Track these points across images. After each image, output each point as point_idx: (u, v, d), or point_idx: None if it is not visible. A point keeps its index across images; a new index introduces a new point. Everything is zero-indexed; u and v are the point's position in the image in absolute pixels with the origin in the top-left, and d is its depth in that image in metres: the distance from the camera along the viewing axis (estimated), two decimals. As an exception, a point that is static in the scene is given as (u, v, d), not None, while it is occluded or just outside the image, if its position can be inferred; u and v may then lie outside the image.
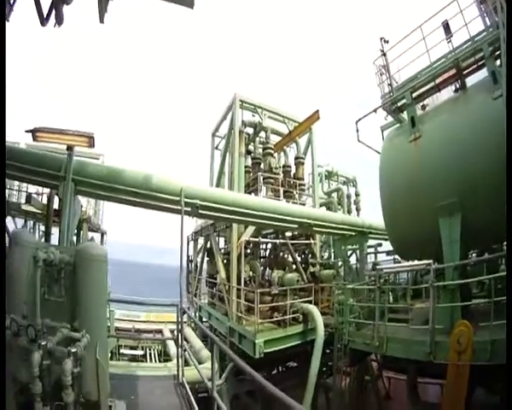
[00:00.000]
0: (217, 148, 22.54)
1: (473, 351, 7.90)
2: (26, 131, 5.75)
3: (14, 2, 4.61)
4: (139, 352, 22.70)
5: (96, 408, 4.28)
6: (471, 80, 10.35)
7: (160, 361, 20.60)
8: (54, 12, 4.74)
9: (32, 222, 18.68)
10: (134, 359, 21.88)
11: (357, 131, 13.03)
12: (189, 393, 6.50)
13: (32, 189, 16.26)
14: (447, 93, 11.55)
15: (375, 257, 24.04)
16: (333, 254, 24.02)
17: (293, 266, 17.28)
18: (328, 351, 12.74)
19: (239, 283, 14.30)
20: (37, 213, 15.54)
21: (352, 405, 12.28)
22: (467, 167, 9.40)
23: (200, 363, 11.95)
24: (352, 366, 12.22)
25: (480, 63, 9.60)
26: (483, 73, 9.76)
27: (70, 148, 6.05)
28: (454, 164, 9.75)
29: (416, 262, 10.89)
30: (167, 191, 9.68)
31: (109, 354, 18.31)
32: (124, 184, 9.22)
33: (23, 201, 16.16)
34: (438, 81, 10.59)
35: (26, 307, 4.26)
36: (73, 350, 3.74)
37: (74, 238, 16.23)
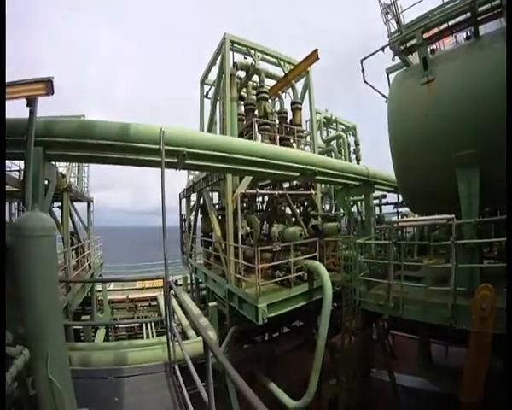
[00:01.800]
0: (206, 96, 21.04)
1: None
2: None
3: None
4: (135, 324, 21.88)
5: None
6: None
7: (157, 331, 19.94)
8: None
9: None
10: (131, 330, 21.46)
11: (363, 70, 12.17)
12: (183, 387, 5.49)
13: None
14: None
15: (380, 209, 23.27)
16: (334, 207, 23.26)
17: (293, 220, 16.20)
18: (331, 308, 11.87)
19: (236, 240, 13.12)
20: (15, 192, 14.18)
21: (360, 365, 11.54)
22: (485, 117, 8.82)
23: (197, 333, 11.18)
24: (363, 328, 11.44)
25: (496, 11, 9.07)
26: (494, 25, 9.47)
27: (30, 102, 4.89)
28: (471, 112, 9.04)
29: (435, 216, 9.99)
30: (147, 139, 8.10)
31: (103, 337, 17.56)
32: (97, 137, 7.79)
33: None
34: (450, 23, 9.89)
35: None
36: None
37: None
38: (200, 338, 10.70)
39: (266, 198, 18.83)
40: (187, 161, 8.85)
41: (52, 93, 4.73)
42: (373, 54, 11.82)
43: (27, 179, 5.29)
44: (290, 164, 11.36)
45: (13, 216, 18.14)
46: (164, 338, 9.93)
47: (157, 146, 7.96)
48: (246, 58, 16.52)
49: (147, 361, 7.61)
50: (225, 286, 13.30)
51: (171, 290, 6.36)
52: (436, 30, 10.22)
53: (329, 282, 11.66)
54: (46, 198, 7.88)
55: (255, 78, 17.23)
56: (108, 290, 22.34)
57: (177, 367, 6.14)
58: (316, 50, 14.72)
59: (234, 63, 15.83)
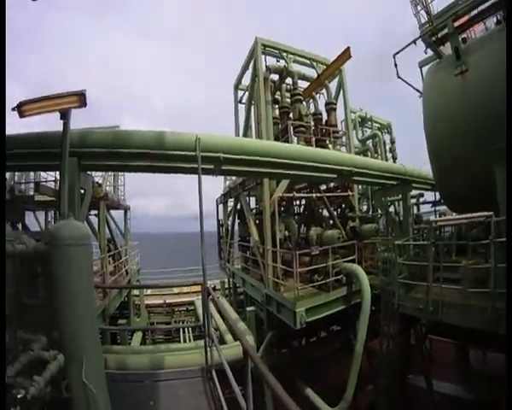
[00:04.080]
0: (240, 101, 20.97)
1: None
2: (13, 109, 4.74)
3: None
4: (172, 327, 21.98)
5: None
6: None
7: (194, 335, 19.86)
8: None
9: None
10: (168, 334, 21.57)
11: (396, 65, 11.90)
12: (219, 391, 5.39)
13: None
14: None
15: (418, 209, 22.62)
16: (371, 208, 22.78)
17: (331, 222, 15.82)
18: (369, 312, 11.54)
19: (274, 244, 12.96)
20: (51, 202, 14.81)
21: (397, 371, 11.16)
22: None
23: (235, 338, 11.10)
24: (402, 332, 11.08)
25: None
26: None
27: (63, 115, 4.95)
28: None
29: (473, 214, 9.52)
30: (183, 146, 8.18)
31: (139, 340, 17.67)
32: (133, 147, 8.02)
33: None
34: (480, 9, 9.56)
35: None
36: (20, 396, 2.46)
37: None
38: (237, 343, 10.63)
39: (303, 201, 18.60)
40: (224, 167, 8.84)
41: (85, 105, 4.77)
42: (405, 47, 11.52)
43: (63, 189, 5.35)
44: (327, 166, 11.11)
45: (49, 224, 18.71)
46: (201, 342, 9.88)
47: (193, 153, 8.01)
48: (278, 61, 16.45)
49: (184, 366, 7.53)
50: (263, 291, 13.17)
51: (210, 296, 6.28)
52: (466, 18, 9.92)
53: (368, 285, 11.41)
54: (82, 207, 8.13)
55: (289, 80, 17.10)
56: (146, 295, 22.38)
57: (214, 372, 6.06)
58: (348, 48, 14.45)
59: (267, 67, 15.74)
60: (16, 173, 16.38)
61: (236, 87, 20.98)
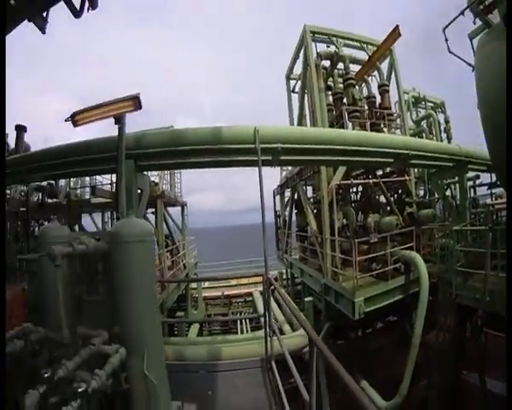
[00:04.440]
0: (293, 91, 20.73)
1: None
2: (66, 120, 5.09)
3: (47, 15, 4.87)
4: (230, 318, 22.43)
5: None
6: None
7: (251, 327, 19.80)
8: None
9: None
10: (225, 325, 21.76)
11: (446, 40, 11.06)
12: (279, 383, 5.38)
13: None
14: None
15: (474, 191, 21.54)
16: (428, 192, 21.95)
17: (388, 209, 15.41)
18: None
19: (332, 233, 12.75)
20: (107, 203, 16.00)
21: (452, 366, 10.75)
22: None
23: (293, 328, 11.06)
24: (458, 325, 10.66)
25: None
26: None
27: (118, 120, 5.09)
28: None
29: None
30: (241, 139, 8.23)
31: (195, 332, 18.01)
32: (190, 144, 8.20)
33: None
34: None
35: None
36: (81, 390, 2.52)
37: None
38: (295, 334, 10.59)
39: (360, 188, 18.30)
40: (282, 157, 8.78)
41: (140, 108, 4.88)
42: (453, 20, 10.84)
43: (120, 191, 5.52)
44: (383, 150, 10.74)
45: (106, 225, 19.96)
46: (259, 333, 9.94)
47: (251, 145, 8.04)
48: (328, 46, 16.11)
49: (241, 357, 7.61)
50: (322, 280, 13.00)
51: (271, 286, 6.28)
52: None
53: (426, 273, 10.93)
54: (140, 206, 8.54)
55: (340, 65, 16.70)
56: (203, 288, 22.76)
57: (273, 363, 6.08)
58: (397, 27, 13.90)
59: (317, 53, 15.48)
60: (72, 180, 17.61)
61: (288, 77, 20.87)
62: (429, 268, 11.40)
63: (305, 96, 16.41)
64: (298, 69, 18.46)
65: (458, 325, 10.87)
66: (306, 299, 13.43)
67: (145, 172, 9.37)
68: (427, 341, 12.22)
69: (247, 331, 18.90)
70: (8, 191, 20.23)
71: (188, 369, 6.70)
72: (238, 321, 20.73)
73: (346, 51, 16.54)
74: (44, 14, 4.70)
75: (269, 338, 6.31)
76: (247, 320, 20.30)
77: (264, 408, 5.22)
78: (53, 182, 16.81)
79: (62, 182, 18.77)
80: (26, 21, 4.82)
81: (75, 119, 5.04)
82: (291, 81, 20.88)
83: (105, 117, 4.97)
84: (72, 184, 17.68)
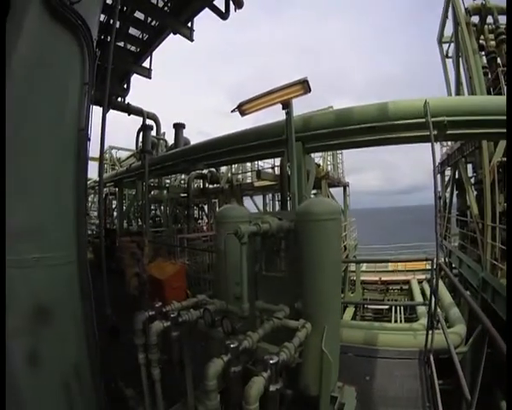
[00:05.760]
0: (447, 56, 19.00)
1: None
2: (232, 111, 5.57)
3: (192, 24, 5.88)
4: (384, 307, 21.64)
5: (314, 403, 3.30)
6: None
7: (405, 317, 19.10)
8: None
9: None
10: (379, 313, 21.29)
11: None
12: (435, 379, 5.14)
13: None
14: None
15: None
16: None
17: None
18: None
19: (493, 219, 11.28)
20: (268, 186, 17.36)
21: None
22: None
23: (447, 324, 10.35)
24: None
25: None
26: None
27: (285, 105, 5.37)
28: None
29: None
30: (410, 114, 7.73)
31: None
32: (356, 123, 8.04)
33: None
34: None
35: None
36: (272, 362, 2.65)
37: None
38: (450, 330, 9.79)
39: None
40: (448, 131, 8.01)
41: (310, 91, 5.02)
42: None
43: (293, 172, 5.78)
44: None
45: (267, 206, 21.54)
46: (415, 325, 9.52)
47: (421, 119, 7.45)
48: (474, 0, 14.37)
49: (398, 346, 7.39)
50: (480, 274, 11.58)
51: (442, 272, 5.97)
52: None
53: None
54: (307, 186, 8.77)
55: (489, 19, 14.53)
56: (362, 271, 22.49)
57: (431, 357, 5.84)
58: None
59: (466, 9, 14.12)
60: (234, 166, 19.42)
61: (440, 41, 19.31)
62: None
63: (460, 60, 15.01)
64: (449, 31, 17.29)
65: None
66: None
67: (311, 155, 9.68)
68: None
69: (400, 321, 18.34)
70: (167, 181, 22.67)
71: (347, 351, 6.73)
72: (393, 310, 20.06)
73: (493, 1, 14.28)
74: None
75: (431, 330, 6.00)
76: (402, 311, 19.60)
77: (417, 403, 5.09)
78: (213, 169, 18.24)
79: (223, 169, 20.24)
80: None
81: (242, 108, 5.41)
82: (443, 45, 19.20)
83: (273, 104, 5.23)
84: (233, 170, 18.90)
